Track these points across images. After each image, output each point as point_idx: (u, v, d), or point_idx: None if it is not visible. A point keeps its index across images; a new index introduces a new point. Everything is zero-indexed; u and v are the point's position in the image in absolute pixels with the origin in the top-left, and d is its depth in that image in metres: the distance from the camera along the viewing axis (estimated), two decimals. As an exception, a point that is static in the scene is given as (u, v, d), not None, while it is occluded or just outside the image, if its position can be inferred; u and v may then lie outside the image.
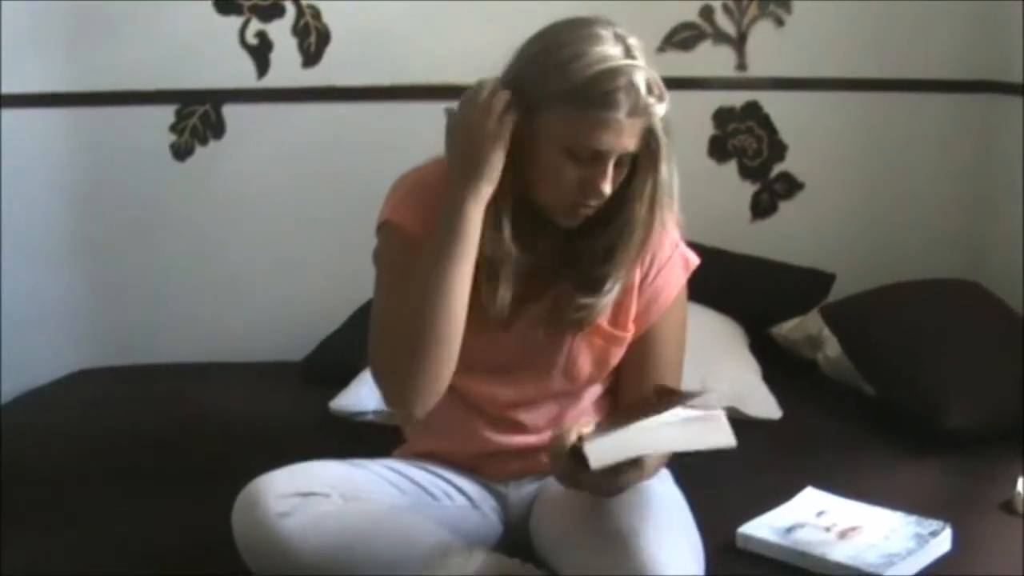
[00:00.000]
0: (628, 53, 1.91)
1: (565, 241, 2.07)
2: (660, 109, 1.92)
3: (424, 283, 1.94)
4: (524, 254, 2.03)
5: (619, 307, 2.11)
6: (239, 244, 3.67)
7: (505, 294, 2.03)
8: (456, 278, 1.94)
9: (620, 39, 1.92)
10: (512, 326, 2.06)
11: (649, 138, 1.94)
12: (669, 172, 1.98)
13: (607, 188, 1.93)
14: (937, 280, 3.34)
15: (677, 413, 1.83)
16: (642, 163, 1.97)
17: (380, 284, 2.10)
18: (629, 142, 1.91)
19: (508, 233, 2.01)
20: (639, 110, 1.89)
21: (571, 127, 1.90)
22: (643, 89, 1.89)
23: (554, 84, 1.90)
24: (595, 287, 2.05)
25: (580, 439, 1.79)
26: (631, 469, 1.84)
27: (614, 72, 1.88)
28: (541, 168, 1.96)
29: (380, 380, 2.05)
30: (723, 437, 1.84)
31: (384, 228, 2.10)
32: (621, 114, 1.88)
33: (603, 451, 1.77)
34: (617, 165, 1.94)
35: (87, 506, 2.42)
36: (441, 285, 1.94)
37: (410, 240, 2.04)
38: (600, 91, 1.87)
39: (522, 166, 1.97)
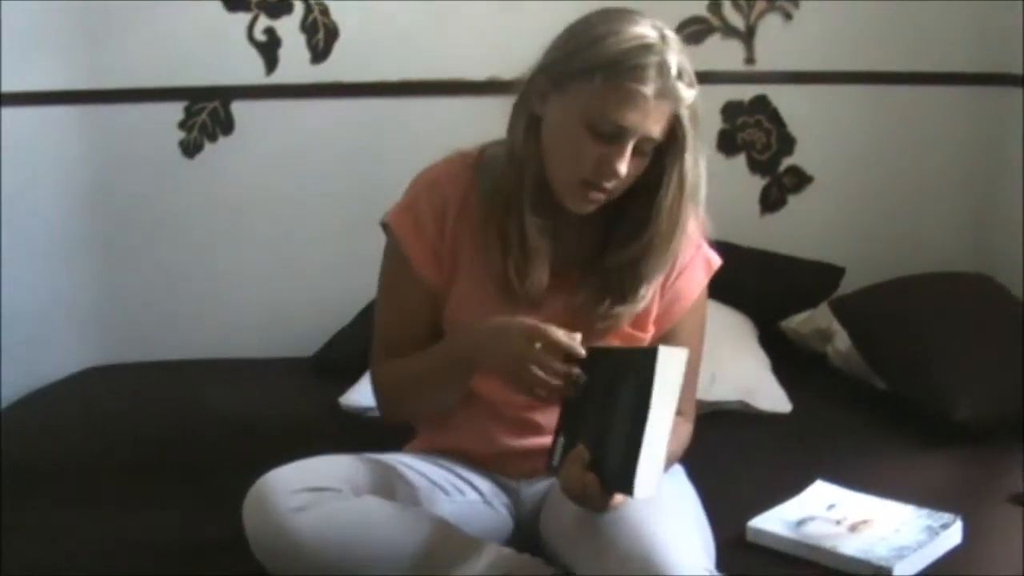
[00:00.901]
0: (664, 39, 1.91)
1: (592, 239, 2.07)
2: (688, 95, 1.92)
3: (414, 392, 2.11)
4: (551, 242, 2.05)
5: (642, 308, 2.11)
6: (249, 240, 3.67)
7: (541, 276, 2.06)
8: (447, 395, 2.11)
9: (657, 27, 1.93)
10: (525, 306, 2.06)
11: (676, 127, 1.94)
12: (695, 165, 1.98)
13: (623, 168, 1.93)
14: (947, 273, 3.34)
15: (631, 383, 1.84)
16: (668, 154, 1.97)
17: (380, 287, 2.20)
18: (653, 126, 1.91)
19: (532, 213, 2.02)
20: (667, 91, 1.90)
21: (597, 99, 1.90)
22: (674, 70, 1.90)
23: (587, 56, 1.92)
24: (626, 294, 2.06)
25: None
26: None
27: (648, 48, 1.89)
28: (562, 144, 1.97)
29: (376, 399, 2.20)
30: (679, 358, 1.84)
31: (387, 230, 2.15)
32: (649, 90, 1.88)
33: (648, 481, 1.80)
34: (637, 152, 1.94)
35: (95, 503, 2.42)
36: (429, 399, 2.14)
37: (404, 256, 2.12)
38: (631, 64, 1.88)
39: (545, 149, 2.00)
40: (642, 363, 1.82)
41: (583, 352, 1.87)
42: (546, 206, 2.03)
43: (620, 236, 2.05)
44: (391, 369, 2.16)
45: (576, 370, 1.86)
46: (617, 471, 1.82)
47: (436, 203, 2.10)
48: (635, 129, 1.90)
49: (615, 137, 1.91)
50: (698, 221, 2.11)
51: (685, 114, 1.93)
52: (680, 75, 1.91)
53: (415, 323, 2.14)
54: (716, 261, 2.18)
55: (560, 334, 1.87)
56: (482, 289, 2.08)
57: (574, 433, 1.90)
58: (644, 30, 1.91)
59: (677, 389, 1.83)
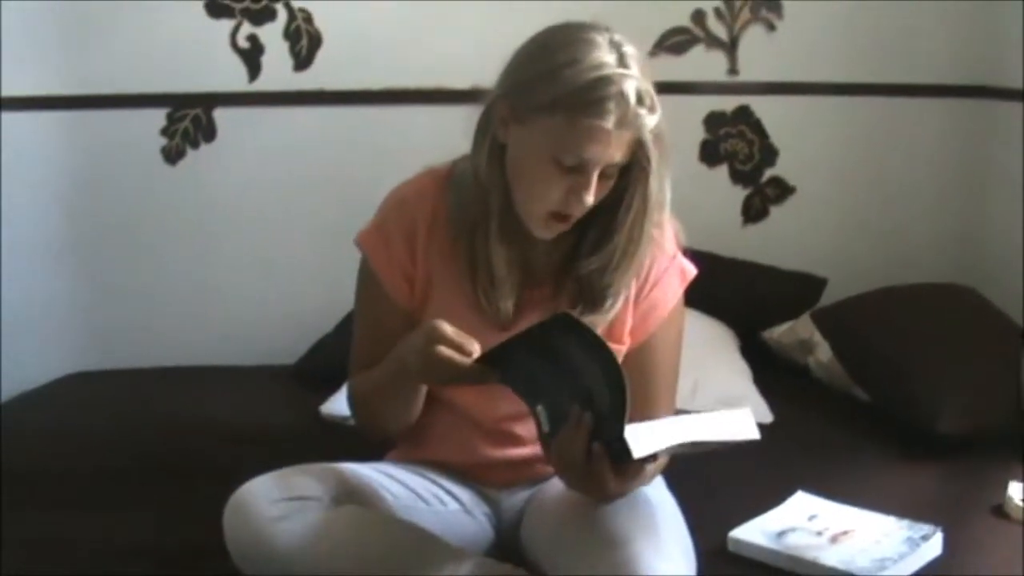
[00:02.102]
0: (622, 61, 1.89)
1: (561, 253, 2.07)
2: (650, 121, 1.90)
3: (375, 403, 2.11)
4: (518, 264, 2.05)
5: (614, 319, 2.10)
6: (230, 248, 3.67)
7: (507, 303, 2.06)
8: (402, 405, 2.10)
9: (615, 46, 1.90)
10: (512, 328, 2.05)
11: (639, 151, 1.93)
12: (659, 186, 1.97)
13: (589, 199, 1.92)
14: (929, 284, 3.34)
15: (702, 413, 1.87)
16: (632, 176, 1.96)
17: (355, 304, 2.23)
18: (616, 153, 1.90)
19: (499, 243, 2.03)
20: (627, 121, 1.88)
21: (559, 135, 1.89)
22: (632, 99, 1.87)
23: (544, 91, 1.89)
24: (595, 304, 2.05)
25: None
26: (640, 472, 1.86)
27: (604, 80, 1.86)
28: (527, 176, 1.96)
29: (351, 412, 2.21)
30: (748, 430, 1.87)
31: (360, 247, 2.15)
32: (609, 123, 1.86)
33: (644, 440, 1.77)
34: (602, 176, 1.93)
35: (76, 509, 2.41)
36: (390, 410, 2.12)
37: (374, 275, 2.13)
38: (589, 99, 1.86)
39: (509, 176, 1.99)
40: (563, 325, 1.81)
41: (475, 346, 1.86)
42: (514, 231, 2.03)
43: (585, 250, 2.05)
44: (358, 381, 2.17)
45: (475, 346, 1.86)
46: (610, 433, 1.80)
47: (405, 223, 2.10)
48: (599, 160, 1.90)
49: (580, 169, 1.91)
50: (672, 230, 2.12)
51: (648, 138, 1.91)
52: (640, 101, 1.88)
53: (388, 341, 2.14)
54: (691, 271, 2.17)
55: (448, 329, 1.86)
56: (455, 308, 2.07)
57: (557, 405, 1.88)
58: (602, 56, 1.88)
59: (720, 438, 1.85)
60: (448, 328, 1.87)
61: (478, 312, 2.06)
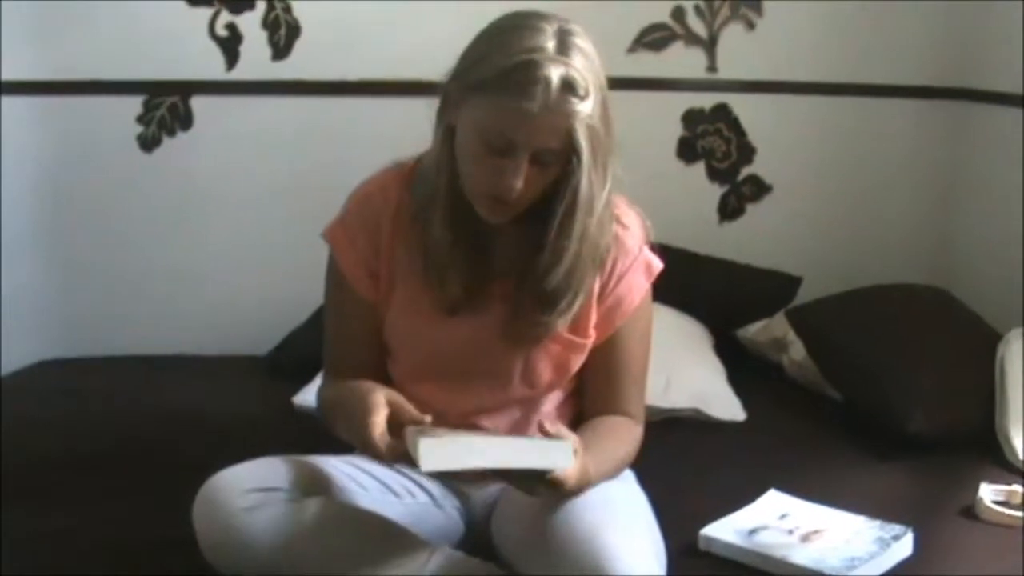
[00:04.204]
0: (560, 49, 1.87)
1: (519, 249, 2.06)
2: (582, 107, 1.87)
3: (339, 428, 2.07)
4: (464, 247, 2.05)
5: (578, 314, 2.09)
6: (205, 237, 3.65)
7: (452, 288, 2.05)
8: None
9: (560, 35, 1.89)
10: (461, 316, 2.07)
11: (569, 144, 1.90)
12: (589, 180, 1.93)
13: (516, 183, 1.90)
14: (903, 285, 3.35)
15: (522, 438, 1.89)
16: (567, 169, 1.94)
17: (325, 300, 2.24)
18: (546, 139, 1.88)
19: (442, 225, 2.02)
20: (552, 106, 1.86)
21: (487, 116, 1.89)
22: (557, 85, 1.85)
23: (477, 72, 1.91)
24: (551, 303, 2.03)
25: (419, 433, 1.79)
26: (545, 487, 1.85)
27: (531, 64, 1.85)
28: (464, 157, 1.96)
29: (319, 415, 2.21)
30: (560, 459, 1.82)
31: (326, 241, 2.17)
32: (534, 106, 1.85)
33: (437, 455, 1.76)
34: (538, 163, 1.91)
35: (43, 498, 2.40)
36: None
37: (340, 272, 2.14)
38: (513, 81, 1.85)
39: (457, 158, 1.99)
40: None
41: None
42: (465, 218, 2.02)
43: (532, 245, 2.04)
44: (327, 396, 2.18)
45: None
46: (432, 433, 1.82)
47: (368, 219, 2.11)
48: (525, 144, 1.88)
49: (508, 151, 1.90)
50: (640, 224, 2.13)
51: (578, 128, 1.88)
52: (571, 88, 1.86)
53: (356, 338, 2.16)
54: (658, 265, 2.16)
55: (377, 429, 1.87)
56: (417, 302, 2.09)
57: None
58: (538, 42, 1.87)
59: (527, 464, 1.82)
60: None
61: (431, 297, 2.07)
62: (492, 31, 1.95)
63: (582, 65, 1.88)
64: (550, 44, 1.87)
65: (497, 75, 1.87)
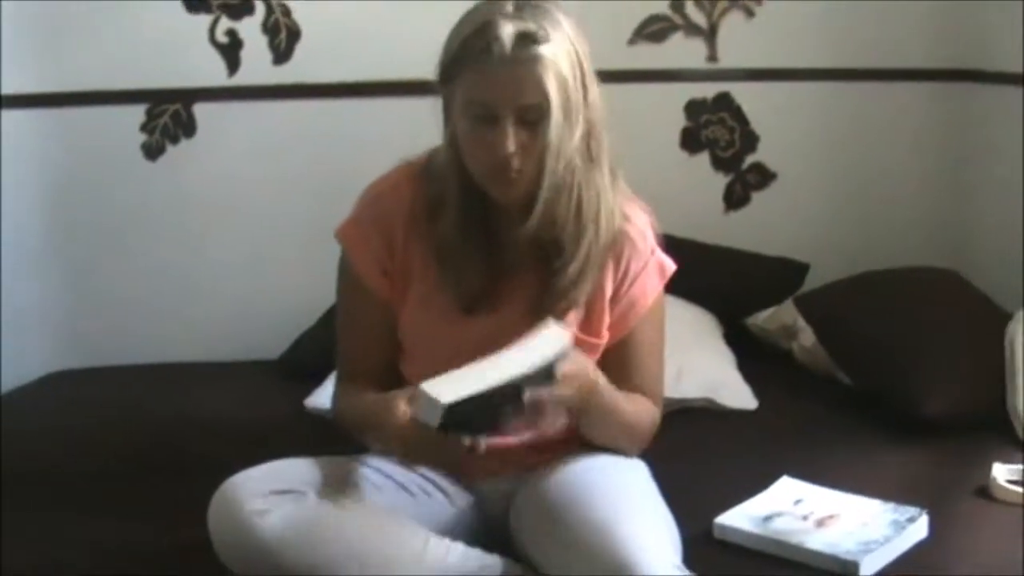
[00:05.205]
0: (516, 10, 1.94)
1: (521, 229, 2.08)
2: (543, 51, 1.91)
3: (357, 431, 2.16)
4: (486, 249, 2.07)
5: (592, 314, 2.12)
6: (212, 243, 3.66)
7: (471, 284, 2.07)
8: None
9: (518, 7, 1.95)
10: (477, 314, 2.08)
11: (543, 92, 1.93)
12: (559, 126, 1.95)
13: (509, 145, 1.93)
14: (911, 268, 3.35)
15: (510, 348, 1.88)
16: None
17: (337, 303, 2.27)
18: (519, 93, 1.92)
19: (455, 225, 2.05)
20: (512, 58, 1.91)
21: (465, 91, 1.95)
22: (511, 36, 1.90)
23: (445, 58, 1.98)
24: (561, 275, 2.06)
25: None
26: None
27: (485, 25, 1.92)
28: (461, 141, 2.00)
29: (334, 417, 2.26)
30: (555, 340, 1.88)
31: (339, 241, 2.18)
32: (494, 62, 1.90)
33: (441, 391, 1.78)
34: (525, 125, 1.95)
35: (62, 508, 2.41)
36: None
37: (353, 269, 2.16)
38: (473, 46, 1.92)
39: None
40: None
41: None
42: (477, 215, 2.06)
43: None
44: (346, 405, 2.20)
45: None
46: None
47: (381, 217, 2.13)
48: (502, 103, 1.93)
49: (491, 118, 1.94)
50: (648, 222, 2.16)
51: (543, 74, 1.91)
52: (526, 37, 1.91)
53: (370, 337, 2.18)
54: (671, 267, 2.19)
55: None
56: (433, 300, 2.11)
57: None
58: (492, 9, 1.94)
59: (535, 364, 1.85)
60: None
61: (446, 295, 2.08)
62: (454, 26, 2.01)
63: (539, 19, 1.93)
64: (507, 7, 1.94)
65: (459, 48, 1.94)
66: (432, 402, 1.78)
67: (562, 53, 1.93)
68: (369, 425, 2.05)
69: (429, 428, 1.81)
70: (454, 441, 1.85)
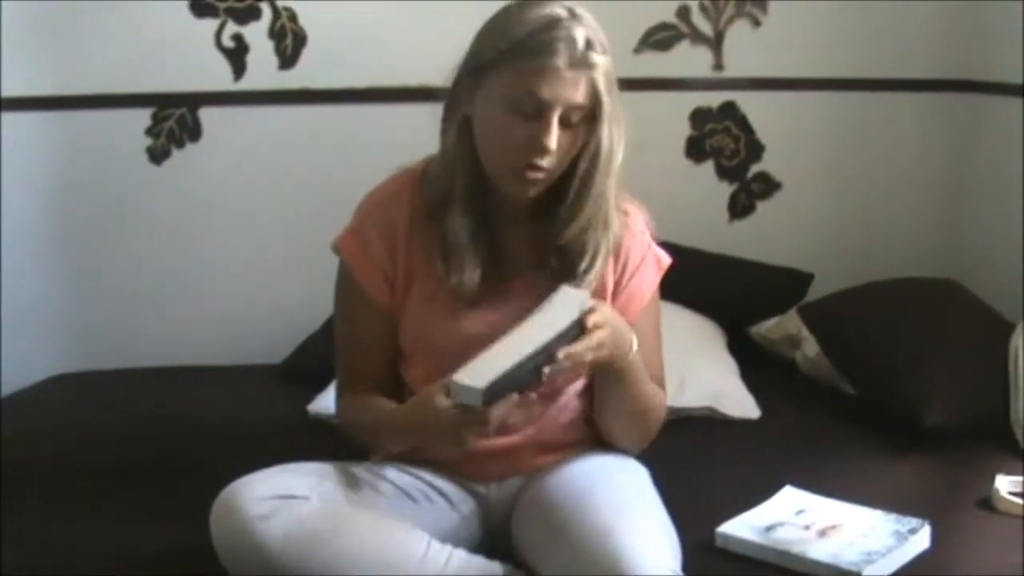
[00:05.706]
0: (572, 14, 1.97)
1: (529, 233, 2.10)
2: (602, 61, 1.96)
3: (371, 437, 2.18)
4: (487, 244, 2.08)
5: None
6: (217, 247, 3.66)
7: (471, 276, 2.07)
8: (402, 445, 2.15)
9: (567, 7, 1.98)
10: (481, 310, 2.09)
11: (594, 96, 1.97)
12: (610, 133, 2.01)
13: (551, 142, 1.95)
14: (915, 279, 3.35)
15: (531, 316, 1.91)
16: (589, 132, 2.01)
17: (335, 313, 2.26)
18: (573, 94, 1.95)
19: (461, 214, 2.06)
20: (578, 60, 1.94)
21: (514, 81, 1.95)
22: (581, 41, 1.94)
23: (498, 44, 1.98)
24: (574, 274, 2.07)
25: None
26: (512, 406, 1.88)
27: (553, 23, 1.95)
28: (490, 133, 2.01)
29: (340, 424, 2.27)
30: (573, 298, 1.92)
31: (337, 252, 2.19)
32: (560, 61, 1.93)
33: (476, 376, 1.81)
34: (566, 125, 1.97)
35: (64, 510, 2.41)
36: (386, 444, 2.17)
37: (353, 279, 2.16)
38: (539, 41, 1.93)
39: (475, 146, 2.04)
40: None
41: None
42: (480, 210, 2.08)
43: (548, 211, 2.09)
44: (351, 413, 2.21)
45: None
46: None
47: (381, 225, 2.13)
48: (554, 101, 1.94)
49: (538, 113, 1.95)
50: (644, 219, 2.18)
51: (600, 80, 1.96)
52: (590, 45, 1.95)
53: (370, 345, 2.18)
54: (666, 260, 2.22)
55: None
56: (436, 297, 2.11)
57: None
58: (551, 11, 1.96)
59: (557, 329, 1.87)
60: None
61: (450, 292, 2.09)
62: (500, 16, 2.03)
63: (595, 29, 1.98)
64: (563, 12, 1.97)
65: (520, 40, 1.95)
66: (469, 389, 1.81)
67: (610, 64, 1.98)
68: (404, 429, 2.07)
69: (473, 410, 1.83)
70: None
